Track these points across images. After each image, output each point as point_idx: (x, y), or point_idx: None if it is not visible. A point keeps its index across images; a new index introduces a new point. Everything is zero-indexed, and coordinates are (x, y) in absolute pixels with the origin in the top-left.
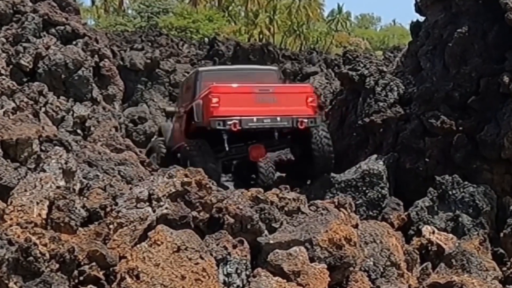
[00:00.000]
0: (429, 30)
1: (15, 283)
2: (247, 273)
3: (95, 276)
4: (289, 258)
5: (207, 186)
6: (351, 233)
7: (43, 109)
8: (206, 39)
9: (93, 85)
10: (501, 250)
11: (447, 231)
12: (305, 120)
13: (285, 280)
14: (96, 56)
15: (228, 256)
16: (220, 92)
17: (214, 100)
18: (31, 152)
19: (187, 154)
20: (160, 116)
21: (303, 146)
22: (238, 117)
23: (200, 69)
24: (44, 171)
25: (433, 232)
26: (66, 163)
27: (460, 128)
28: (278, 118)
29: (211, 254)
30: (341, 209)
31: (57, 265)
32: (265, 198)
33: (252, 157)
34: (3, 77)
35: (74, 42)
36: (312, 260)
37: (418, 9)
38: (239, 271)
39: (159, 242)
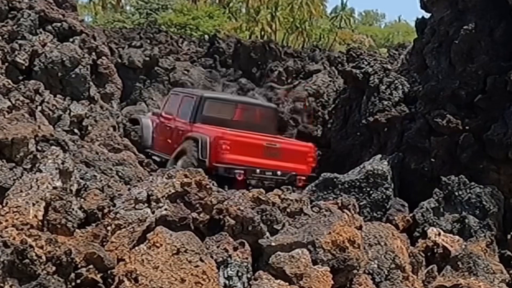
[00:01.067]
0: (434, 27)
1: (10, 286)
2: (248, 276)
3: (93, 279)
4: (291, 261)
5: (207, 186)
6: (354, 235)
7: (39, 108)
8: (206, 36)
9: (91, 83)
10: (509, 253)
11: (453, 233)
12: (303, 178)
13: (287, 283)
14: (93, 53)
15: (228, 259)
16: (231, 140)
17: (224, 146)
18: (27, 152)
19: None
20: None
21: None
22: (244, 168)
23: (206, 94)
24: (40, 171)
25: (439, 234)
26: (62, 163)
27: (467, 127)
28: (279, 173)
29: (212, 257)
30: (345, 210)
31: (54, 268)
32: (267, 199)
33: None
34: None
35: (71, 39)
36: (315, 262)
37: (424, 6)
38: (240, 274)
39: (158, 244)
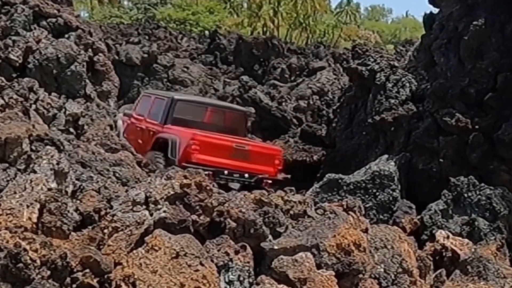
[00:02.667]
0: (443, 22)
1: None
2: (250, 280)
3: (89, 284)
4: (295, 265)
5: (208, 188)
6: (360, 238)
7: (33, 106)
8: (206, 32)
9: (87, 81)
10: None
11: (463, 236)
12: (269, 181)
13: None
14: (89, 50)
15: (230, 263)
16: (201, 140)
17: (194, 147)
18: (20, 152)
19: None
20: None
21: None
22: (212, 169)
23: (176, 97)
24: (35, 172)
25: (448, 237)
26: (58, 164)
27: (476, 126)
28: (246, 175)
29: (212, 261)
30: (350, 212)
31: (49, 272)
32: (269, 201)
33: None
34: None
35: (66, 35)
36: (319, 266)
37: (432, 0)
38: (241, 279)
39: (156, 248)
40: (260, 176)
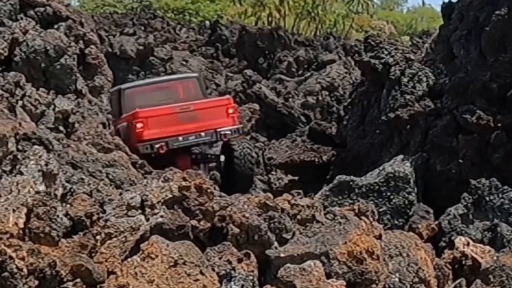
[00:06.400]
0: (463, 12)
1: None
2: None
3: None
4: (303, 274)
5: (209, 191)
6: (373, 245)
7: (20, 102)
8: (207, 22)
9: (78, 75)
10: None
11: (484, 242)
12: (228, 132)
13: None
14: (81, 42)
15: (232, 272)
16: (143, 117)
17: (139, 125)
18: (6, 152)
19: None
20: None
21: (227, 160)
22: (164, 139)
23: (123, 87)
24: (21, 174)
25: (468, 244)
26: (46, 165)
27: (499, 124)
28: (203, 134)
29: (213, 269)
30: (362, 217)
31: (36, 282)
32: (275, 205)
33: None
34: None
35: (55, 26)
36: (328, 276)
37: None
38: None
39: (153, 255)
40: (219, 129)
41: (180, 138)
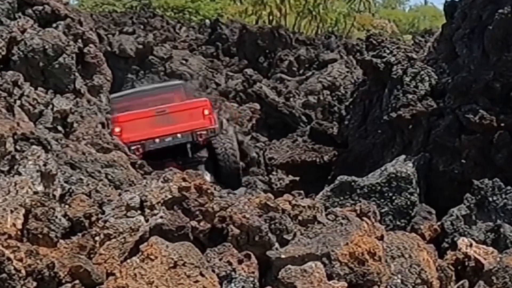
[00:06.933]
0: (466, 10)
1: None
2: None
3: None
4: (304, 275)
5: (209, 191)
6: (375, 246)
7: (18, 102)
8: (207, 21)
9: (76, 74)
10: None
11: (487, 243)
12: (204, 133)
13: None
14: (79, 41)
15: (232, 273)
16: (121, 121)
17: (117, 129)
18: (4, 152)
19: None
20: None
21: (212, 159)
22: (140, 142)
23: (111, 96)
24: (19, 174)
25: (471, 245)
26: (44, 165)
27: (502, 124)
28: (179, 135)
29: (213, 271)
30: (364, 218)
31: (35, 283)
32: (276, 205)
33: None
34: None
35: (54, 25)
36: (330, 277)
37: None
38: None
39: (152, 257)
40: (195, 130)
41: (157, 140)
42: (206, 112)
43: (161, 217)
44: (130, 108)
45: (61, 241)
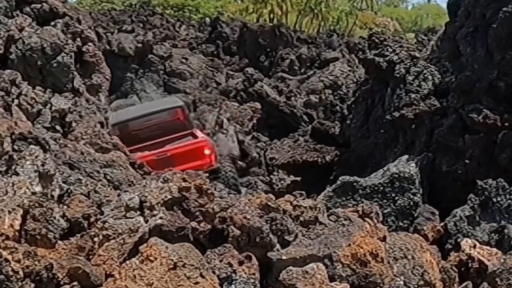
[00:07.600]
0: (469, 8)
1: None
2: None
3: None
4: (305, 277)
5: (209, 192)
6: (377, 247)
7: (16, 101)
8: (207, 19)
9: (75, 73)
10: None
11: (491, 244)
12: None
13: None
14: (78, 39)
15: (233, 274)
16: None
17: None
18: (1, 152)
19: None
20: None
21: None
22: None
23: (113, 121)
24: (17, 174)
25: (474, 246)
26: (43, 165)
27: (506, 124)
28: None
29: (214, 272)
30: (366, 219)
31: (33, 285)
32: (277, 206)
33: None
34: None
35: (52, 23)
36: (332, 279)
37: None
38: None
39: (152, 258)
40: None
41: None
42: (207, 151)
43: (161, 217)
44: (133, 138)
45: (59, 242)
